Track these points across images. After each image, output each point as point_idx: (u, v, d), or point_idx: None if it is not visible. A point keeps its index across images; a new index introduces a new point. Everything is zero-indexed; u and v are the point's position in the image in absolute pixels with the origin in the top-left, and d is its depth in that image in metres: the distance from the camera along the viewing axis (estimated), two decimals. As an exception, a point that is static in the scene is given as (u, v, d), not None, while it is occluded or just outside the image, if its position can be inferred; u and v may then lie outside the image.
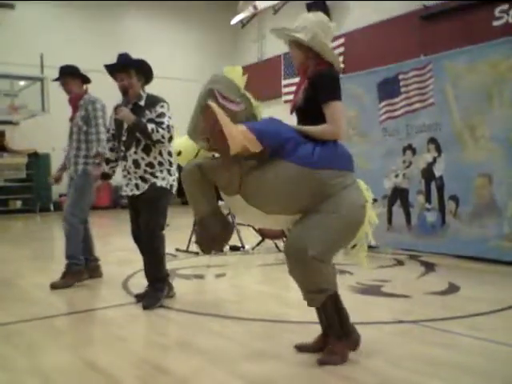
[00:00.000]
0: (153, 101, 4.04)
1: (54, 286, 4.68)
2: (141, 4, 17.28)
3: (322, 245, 2.53)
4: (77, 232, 4.79)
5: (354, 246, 2.79)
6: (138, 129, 3.92)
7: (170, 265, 4.39)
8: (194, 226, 6.94)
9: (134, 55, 4.19)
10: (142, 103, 4.04)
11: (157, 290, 4.03)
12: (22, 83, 13.52)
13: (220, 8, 18.10)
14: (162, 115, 3.96)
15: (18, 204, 15.63)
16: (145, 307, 3.90)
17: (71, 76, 4.93)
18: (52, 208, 15.85)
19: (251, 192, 2.58)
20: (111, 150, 4.31)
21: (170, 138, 3.93)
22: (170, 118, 3.99)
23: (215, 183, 2.67)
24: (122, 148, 4.09)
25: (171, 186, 4.05)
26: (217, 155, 2.72)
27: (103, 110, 4.86)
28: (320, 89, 2.66)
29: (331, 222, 2.54)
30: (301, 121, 2.76)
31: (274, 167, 2.55)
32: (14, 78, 13.25)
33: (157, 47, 17.31)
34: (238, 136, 2.44)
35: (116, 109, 4.06)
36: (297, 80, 3.02)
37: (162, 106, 4.00)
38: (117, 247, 6.75)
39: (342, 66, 2.83)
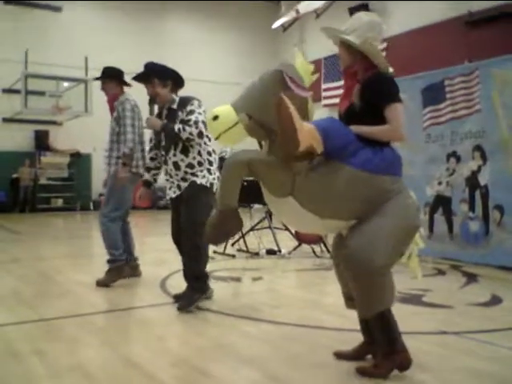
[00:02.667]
0: (184, 101, 4.10)
1: (98, 283, 4.78)
2: (183, 7, 17.51)
3: (386, 255, 2.48)
4: (107, 230, 4.85)
5: (409, 256, 2.73)
6: (166, 132, 4.03)
7: (207, 267, 4.39)
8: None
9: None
10: (175, 106, 4.11)
11: (194, 290, 4.01)
12: (66, 84, 13.86)
13: (261, 11, 18.18)
14: (190, 113, 4.00)
15: (60, 202, 16.02)
16: (179, 308, 3.90)
17: (108, 78, 5.05)
18: (92, 207, 16.17)
19: (308, 195, 2.50)
20: (152, 158, 4.37)
21: (200, 134, 3.92)
22: (199, 113, 3.99)
23: (262, 182, 2.58)
24: (163, 152, 4.15)
25: (211, 184, 4.05)
26: (260, 144, 2.65)
27: (133, 110, 4.89)
28: (380, 91, 2.61)
29: (390, 228, 2.48)
30: (350, 125, 2.69)
31: (334, 171, 2.49)
32: (59, 79, 13.59)
33: (198, 50, 17.50)
34: (307, 134, 2.38)
35: (146, 121, 4.17)
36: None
37: (192, 104, 4.04)
38: (154, 248, 6.81)
39: (391, 69, 2.73)
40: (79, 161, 16.09)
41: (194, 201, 3.98)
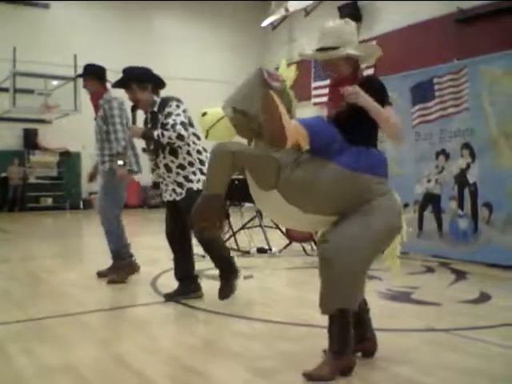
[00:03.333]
0: (163, 103, 4.06)
1: (109, 281, 4.81)
2: (173, 5, 17.45)
3: (363, 256, 2.50)
4: (113, 230, 4.90)
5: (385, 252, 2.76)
6: (146, 140, 4.04)
7: (198, 265, 4.40)
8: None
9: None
10: (156, 109, 4.08)
11: (225, 277, 4.09)
12: (55, 83, 13.77)
13: (251, 9, 18.16)
14: (168, 115, 3.95)
15: (49, 201, 15.94)
16: (222, 297, 4.01)
17: (90, 75, 5.03)
18: (82, 206, 16.10)
19: (292, 189, 2.53)
20: (151, 160, 4.34)
21: (179, 137, 3.86)
22: (177, 115, 3.93)
23: (248, 174, 2.60)
24: (153, 156, 4.15)
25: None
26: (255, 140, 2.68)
27: (120, 108, 4.90)
28: (375, 93, 2.60)
29: (372, 229, 2.49)
30: (339, 127, 2.69)
31: (318, 167, 2.53)
32: (48, 77, 13.50)
33: (187, 48, 17.46)
34: (293, 130, 2.43)
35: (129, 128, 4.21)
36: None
37: (170, 106, 3.98)
38: (144, 246, 6.79)
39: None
40: (68, 159, 16.01)
41: None
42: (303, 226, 2.92)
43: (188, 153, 4.04)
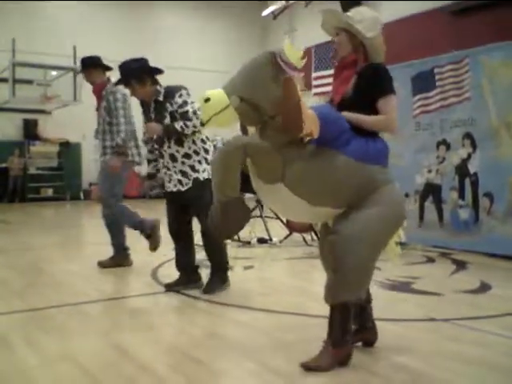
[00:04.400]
0: (170, 92, 4.03)
1: (102, 265, 4.98)
2: (172, -4, 17.35)
3: (373, 245, 2.50)
4: (114, 220, 5.01)
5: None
6: (169, 134, 3.97)
7: (198, 255, 4.40)
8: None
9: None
10: (161, 98, 4.06)
11: (219, 279, 4.12)
12: (54, 73, 13.71)
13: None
14: (183, 105, 3.94)
15: (50, 192, 15.93)
16: (204, 291, 4.02)
17: (92, 67, 5.04)
18: (82, 196, 16.10)
19: (300, 181, 2.46)
20: (150, 151, 4.35)
21: (201, 123, 3.84)
22: (192, 102, 3.95)
23: (254, 167, 2.51)
24: (156, 146, 4.14)
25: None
26: (253, 129, 2.61)
27: (124, 100, 4.92)
28: (376, 81, 2.62)
29: (379, 219, 2.50)
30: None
31: (327, 158, 2.48)
32: (48, 67, 13.43)
33: (186, 38, 17.39)
34: (309, 119, 2.36)
35: (145, 125, 4.16)
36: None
37: (181, 95, 3.97)
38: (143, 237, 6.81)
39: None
40: (69, 150, 15.98)
41: (203, 200, 3.88)
42: (309, 218, 2.85)
43: (193, 142, 4.03)
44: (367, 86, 2.62)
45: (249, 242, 6.65)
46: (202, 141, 4.08)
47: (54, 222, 11.21)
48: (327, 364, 2.53)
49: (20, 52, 13.21)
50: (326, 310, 3.19)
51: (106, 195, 4.97)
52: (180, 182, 4.05)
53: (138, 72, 4.07)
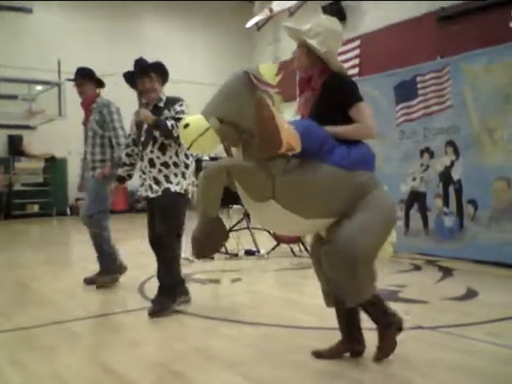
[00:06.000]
0: (172, 101, 4.07)
1: (98, 286, 4.82)
2: (157, 8, 17.40)
3: (370, 248, 2.56)
4: (102, 235, 4.90)
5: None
6: (158, 127, 3.93)
7: (185, 269, 4.38)
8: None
9: (151, 59, 4.23)
10: (162, 105, 4.07)
11: (167, 297, 3.96)
12: (39, 88, 13.65)
13: (236, 10, 18.16)
14: (180, 112, 3.97)
15: (35, 208, 15.77)
16: (150, 313, 3.84)
17: (88, 78, 4.98)
18: (68, 212, 15.98)
19: (290, 196, 2.48)
20: (128, 155, 4.32)
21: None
22: (188, 114, 3.94)
23: (241, 188, 2.51)
24: (140, 148, 4.11)
25: (186, 190, 4.02)
26: (235, 149, 2.61)
27: (118, 113, 4.91)
28: (343, 92, 2.66)
29: (373, 222, 2.55)
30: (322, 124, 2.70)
31: (312, 170, 2.51)
32: (32, 82, 13.38)
33: (173, 50, 17.38)
34: (287, 133, 2.38)
35: (136, 113, 4.10)
36: None
37: (181, 105, 4.02)
38: (132, 251, 6.76)
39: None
40: (54, 165, 15.86)
41: (168, 210, 3.92)
42: (304, 230, 2.87)
43: (176, 153, 4.02)
44: (335, 98, 2.66)
45: (236, 255, 6.63)
46: (186, 155, 4.08)
47: (40, 238, 11.11)
48: (393, 344, 2.77)
49: (4, 67, 13.16)
50: (314, 321, 3.20)
51: (93, 212, 4.87)
52: (151, 187, 4.02)
53: (161, 68, 4.13)
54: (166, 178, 3.99)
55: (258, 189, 2.48)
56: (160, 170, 3.99)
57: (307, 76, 2.79)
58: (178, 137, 3.85)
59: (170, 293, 3.98)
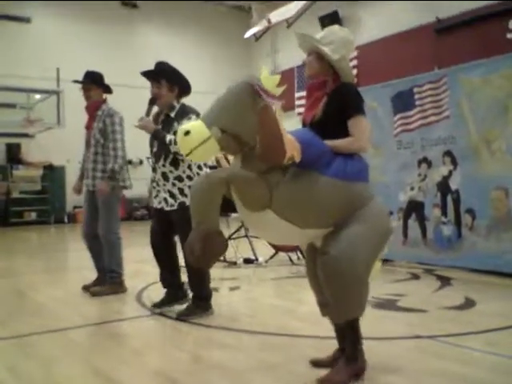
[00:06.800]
0: (183, 112, 3.99)
1: (93, 293, 4.79)
2: (156, 18, 17.49)
3: (365, 261, 2.54)
4: (114, 247, 4.88)
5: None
6: (157, 139, 3.93)
7: (184, 278, 4.38)
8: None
9: (149, 67, 4.19)
10: (173, 114, 4.02)
11: (198, 307, 4.01)
12: (37, 96, 13.68)
13: (234, 21, 18.26)
14: None
15: (33, 216, 15.75)
16: (177, 316, 3.93)
17: (96, 83, 4.93)
18: (66, 220, 15.96)
19: (288, 205, 2.47)
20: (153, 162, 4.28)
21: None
22: None
23: (240, 197, 2.49)
24: (153, 159, 4.09)
25: None
26: (230, 157, 2.59)
27: (121, 124, 4.85)
28: (346, 102, 2.68)
29: (368, 235, 2.54)
30: (319, 135, 2.72)
31: (311, 181, 2.50)
32: (30, 91, 13.41)
33: (171, 60, 17.45)
34: (289, 144, 2.38)
35: (140, 119, 4.03)
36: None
37: (190, 118, 3.87)
38: (130, 259, 6.76)
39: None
40: (52, 173, 15.87)
41: (188, 225, 3.90)
42: (300, 240, 2.85)
43: (189, 166, 3.99)
44: (337, 107, 2.67)
45: (235, 263, 6.63)
46: (199, 167, 4.04)
47: (38, 246, 11.09)
48: (343, 378, 2.59)
49: (2, 76, 13.18)
50: (313, 330, 3.19)
51: (104, 232, 4.85)
52: (166, 200, 4.02)
53: (173, 75, 4.06)
54: (181, 191, 3.98)
55: (256, 199, 2.47)
56: (174, 184, 3.98)
57: (320, 81, 2.79)
58: (175, 152, 3.86)
59: (203, 304, 4.04)
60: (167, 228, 4.10)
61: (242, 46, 18.63)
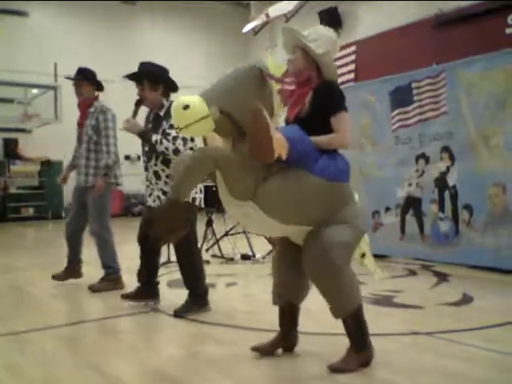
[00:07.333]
0: (170, 110, 4.01)
1: (93, 289, 4.83)
2: (154, 12, 17.42)
3: (344, 257, 2.62)
4: (106, 242, 4.94)
5: (363, 256, 2.86)
6: (143, 140, 3.97)
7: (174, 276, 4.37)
8: (205, 234, 6.94)
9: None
10: (162, 113, 4.03)
11: (194, 303, 4.01)
12: (35, 91, 13.64)
13: (232, 15, 18.21)
14: (172, 126, 3.94)
15: (31, 211, 15.72)
16: (175, 312, 3.92)
17: (88, 80, 4.94)
18: (64, 215, 15.93)
19: (271, 201, 2.51)
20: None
21: (176, 151, 3.82)
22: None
23: (224, 181, 2.50)
24: (145, 158, 4.12)
25: (193, 198, 3.96)
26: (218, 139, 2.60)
27: (114, 121, 4.88)
28: (329, 99, 2.73)
29: (347, 234, 2.62)
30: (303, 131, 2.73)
31: (297, 178, 2.54)
32: (28, 86, 13.37)
33: (169, 54, 17.37)
34: (277, 143, 2.42)
35: (125, 121, 4.05)
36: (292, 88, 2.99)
37: None
38: (127, 256, 6.75)
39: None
40: (50, 168, 15.82)
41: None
42: (279, 234, 2.89)
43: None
44: (321, 103, 2.71)
45: (232, 259, 6.63)
46: None
47: (36, 241, 11.08)
48: (353, 366, 2.68)
49: (0, 71, 13.12)
50: (309, 325, 3.19)
51: (96, 229, 4.92)
52: (159, 198, 4.04)
53: (155, 75, 4.05)
54: None
55: (241, 187, 2.48)
56: (166, 182, 3.99)
57: (305, 77, 2.81)
58: (161, 152, 3.87)
59: (199, 300, 4.04)
60: None
61: (240, 41, 18.57)
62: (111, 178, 4.88)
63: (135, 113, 4.06)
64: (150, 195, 4.12)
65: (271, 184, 2.51)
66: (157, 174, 4.03)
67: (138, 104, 4.07)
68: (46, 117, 13.31)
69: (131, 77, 4.10)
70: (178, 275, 4.26)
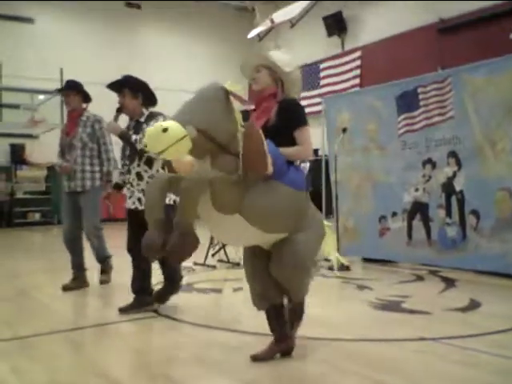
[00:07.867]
0: (151, 116, 4.21)
1: (101, 281, 5.34)
2: (158, 18, 17.49)
3: (313, 257, 2.97)
4: (99, 239, 5.32)
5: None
6: (124, 140, 4.13)
7: (187, 279, 4.38)
8: (211, 239, 6.93)
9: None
10: (142, 120, 4.22)
11: (140, 301, 4.23)
12: (41, 97, 13.71)
13: (237, 20, 18.26)
14: None
15: (37, 216, 15.76)
16: (120, 310, 4.17)
17: (76, 91, 5.21)
18: (70, 220, 15.97)
19: (256, 212, 2.63)
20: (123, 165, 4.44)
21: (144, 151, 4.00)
22: None
23: (216, 199, 2.55)
24: (127, 162, 4.24)
25: (175, 201, 4.00)
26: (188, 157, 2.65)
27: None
28: (294, 114, 2.96)
29: (313, 239, 2.91)
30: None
31: (274, 188, 2.70)
32: (34, 92, 13.44)
33: (174, 60, 17.49)
34: (268, 158, 2.60)
35: (107, 125, 4.34)
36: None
37: (157, 120, 4.06)
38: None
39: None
40: (56, 174, 15.85)
41: None
42: (258, 243, 2.95)
43: (163, 166, 4.04)
44: (286, 118, 2.93)
45: (238, 264, 6.61)
46: None
47: (42, 246, 11.10)
48: (269, 355, 3.00)
49: (7, 77, 13.20)
50: (314, 331, 3.18)
51: (92, 229, 5.22)
52: (139, 200, 4.13)
53: (134, 85, 4.26)
54: None
55: (229, 201, 2.58)
56: (148, 183, 4.01)
57: (271, 92, 3.02)
58: (141, 150, 4.03)
59: (144, 299, 4.26)
60: (139, 229, 4.08)
61: (244, 46, 18.61)
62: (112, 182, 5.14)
63: (116, 118, 4.27)
64: (131, 197, 4.23)
65: (255, 196, 2.61)
66: (139, 175, 4.15)
67: (118, 111, 4.28)
68: (52, 122, 13.37)
69: (112, 86, 4.29)
70: (186, 279, 4.25)
